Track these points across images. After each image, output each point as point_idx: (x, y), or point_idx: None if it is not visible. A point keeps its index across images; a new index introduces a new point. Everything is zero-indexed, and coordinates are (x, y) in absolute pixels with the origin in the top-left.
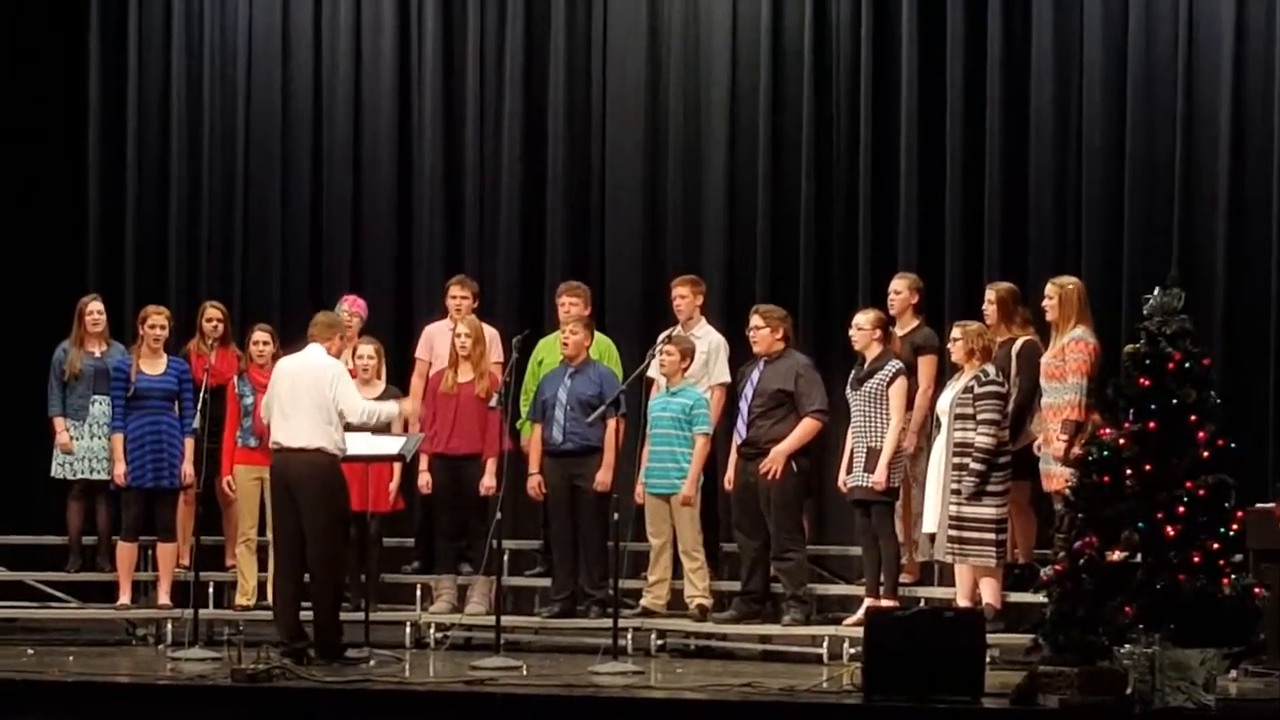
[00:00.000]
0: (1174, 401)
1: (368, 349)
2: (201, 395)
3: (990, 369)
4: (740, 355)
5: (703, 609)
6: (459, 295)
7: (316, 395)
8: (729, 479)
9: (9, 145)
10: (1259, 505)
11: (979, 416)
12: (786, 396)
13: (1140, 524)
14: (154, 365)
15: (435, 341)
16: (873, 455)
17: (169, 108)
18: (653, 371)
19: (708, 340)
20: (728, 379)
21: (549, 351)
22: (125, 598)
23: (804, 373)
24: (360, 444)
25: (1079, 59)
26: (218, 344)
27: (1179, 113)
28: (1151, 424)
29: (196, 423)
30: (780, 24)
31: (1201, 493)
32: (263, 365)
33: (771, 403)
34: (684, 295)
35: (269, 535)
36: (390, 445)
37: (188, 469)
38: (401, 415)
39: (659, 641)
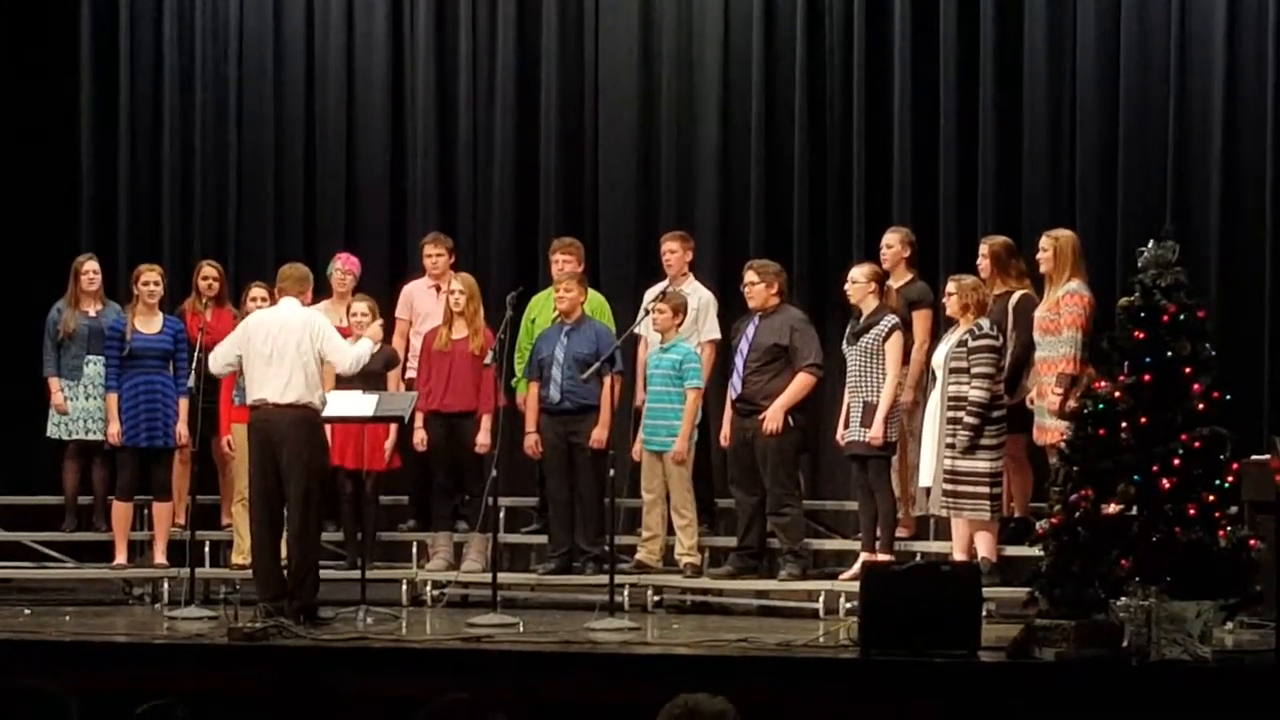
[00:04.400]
0: (1169, 354)
1: (361, 306)
2: (196, 354)
3: (984, 323)
4: (734, 311)
5: (692, 566)
6: (434, 253)
7: (303, 350)
8: (724, 435)
9: (0, 106)
10: (1254, 457)
11: (973, 370)
12: (781, 351)
13: (1136, 476)
14: (149, 324)
15: (415, 300)
16: (869, 410)
17: (161, 65)
18: (642, 328)
19: (697, 296)
20: (718, 335)
21: (541, 309)
22: (121, 557)
23: (799, 327)
24: (360, 405)
25: (1073, 10)
26: (213, 303)
27: (1172, 64)
28: (1146, 376)
29: (191, 382)
30: None
31: (1197, 445)
32: None
33: (766, 357)
34: (673, 250)
35: None
36: (389, 405)
37: (182, 428)
38: (374, 344)
39: (655, 598)
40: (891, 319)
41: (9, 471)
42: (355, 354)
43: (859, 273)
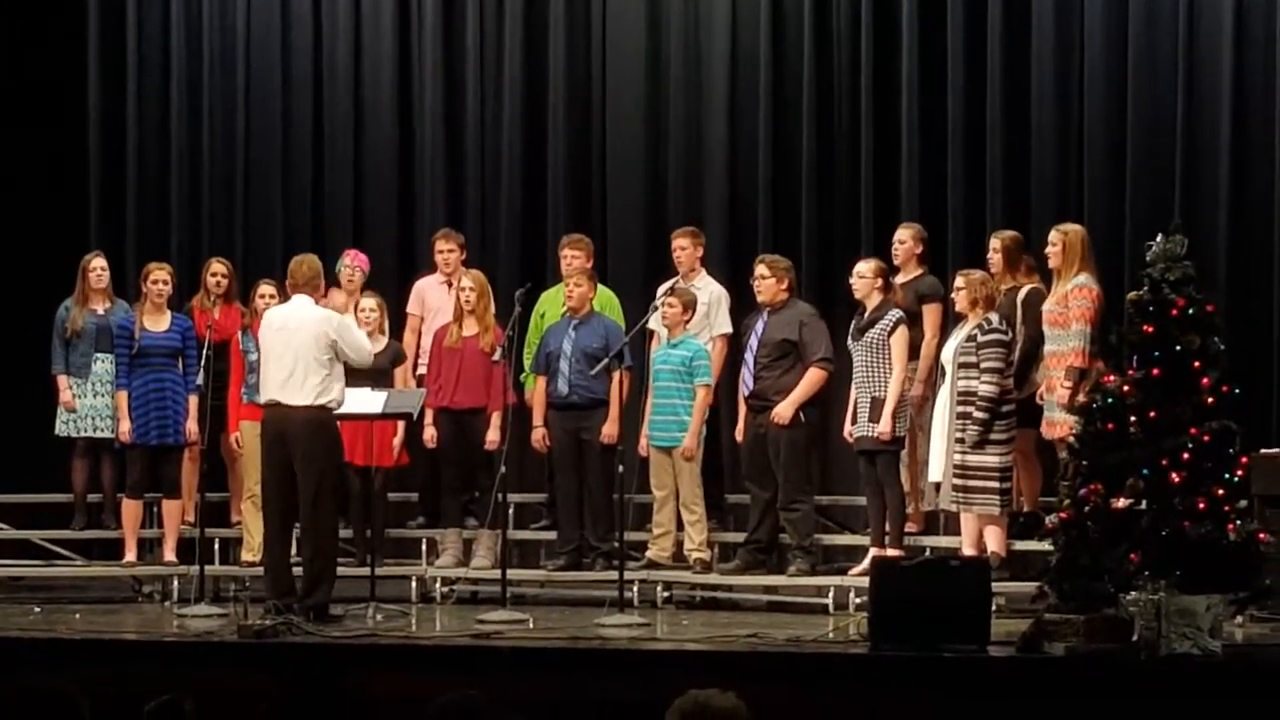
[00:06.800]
0: (1177, 348)
1: (370, 302)
2: (205, 351)
3: (994, 317)
4: (745, 307)
5: (701, 562)
6: (445, 249)
7: (317, 350)
8: (739, 431)
9: (9, 104)
10: (1264, 450)
11: (982, 365)
12: (791, 346)
13: (1145, 470)
14: (157, 322)
15: (426, 296)
16: (876, 405)
17: (169, 62)
18: (653, 324)
19: (708, 291)
20: (729, 330)
21: (550, 304)
22: (131, 555)
23: (808, 322)
24: (368, 402)
25: (1080, 5)
26: (221, 300)
27: (1181, 57)
28: (1155, 370)
29: (200, 379)
30: None
31: (1206, 439)
32: None
33: (776, 353)
34: (684, 247)
35: None
36: (397, 402)
37: (192, 426)
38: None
39: (665, 593)
40: (896, 314)
41: (18, 469)
42: (369, 348)
43: (864, 268)
